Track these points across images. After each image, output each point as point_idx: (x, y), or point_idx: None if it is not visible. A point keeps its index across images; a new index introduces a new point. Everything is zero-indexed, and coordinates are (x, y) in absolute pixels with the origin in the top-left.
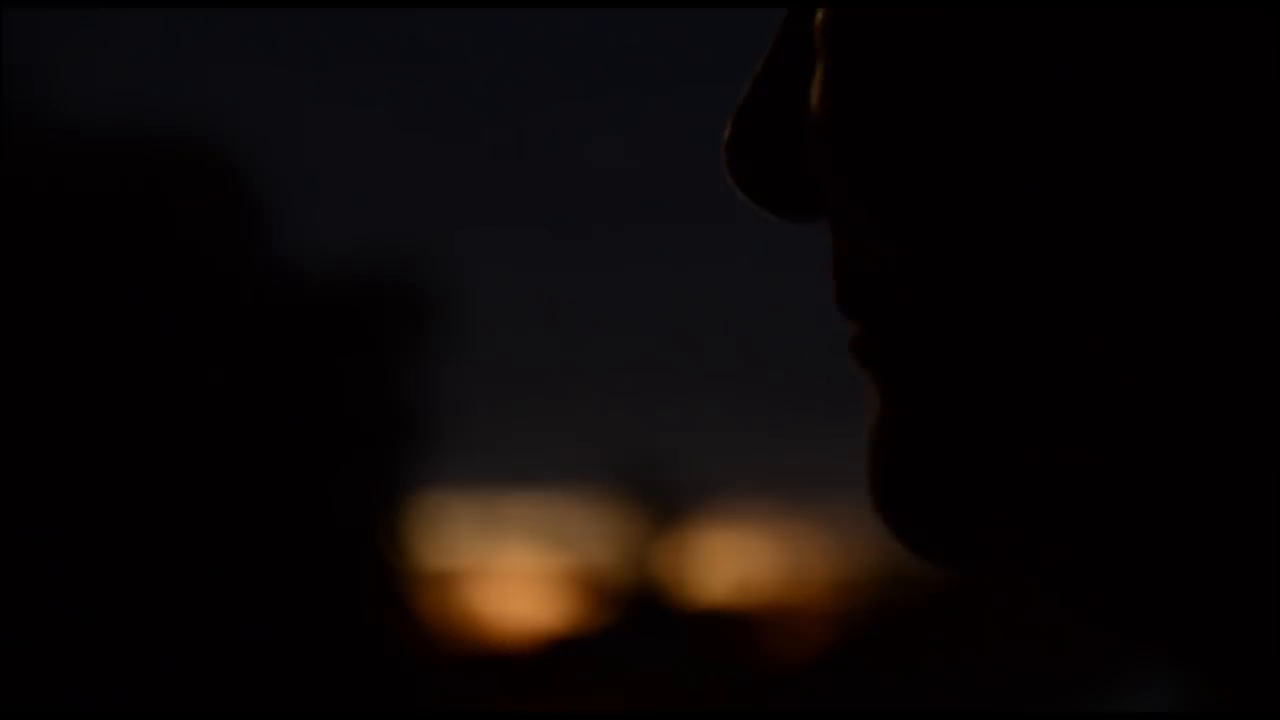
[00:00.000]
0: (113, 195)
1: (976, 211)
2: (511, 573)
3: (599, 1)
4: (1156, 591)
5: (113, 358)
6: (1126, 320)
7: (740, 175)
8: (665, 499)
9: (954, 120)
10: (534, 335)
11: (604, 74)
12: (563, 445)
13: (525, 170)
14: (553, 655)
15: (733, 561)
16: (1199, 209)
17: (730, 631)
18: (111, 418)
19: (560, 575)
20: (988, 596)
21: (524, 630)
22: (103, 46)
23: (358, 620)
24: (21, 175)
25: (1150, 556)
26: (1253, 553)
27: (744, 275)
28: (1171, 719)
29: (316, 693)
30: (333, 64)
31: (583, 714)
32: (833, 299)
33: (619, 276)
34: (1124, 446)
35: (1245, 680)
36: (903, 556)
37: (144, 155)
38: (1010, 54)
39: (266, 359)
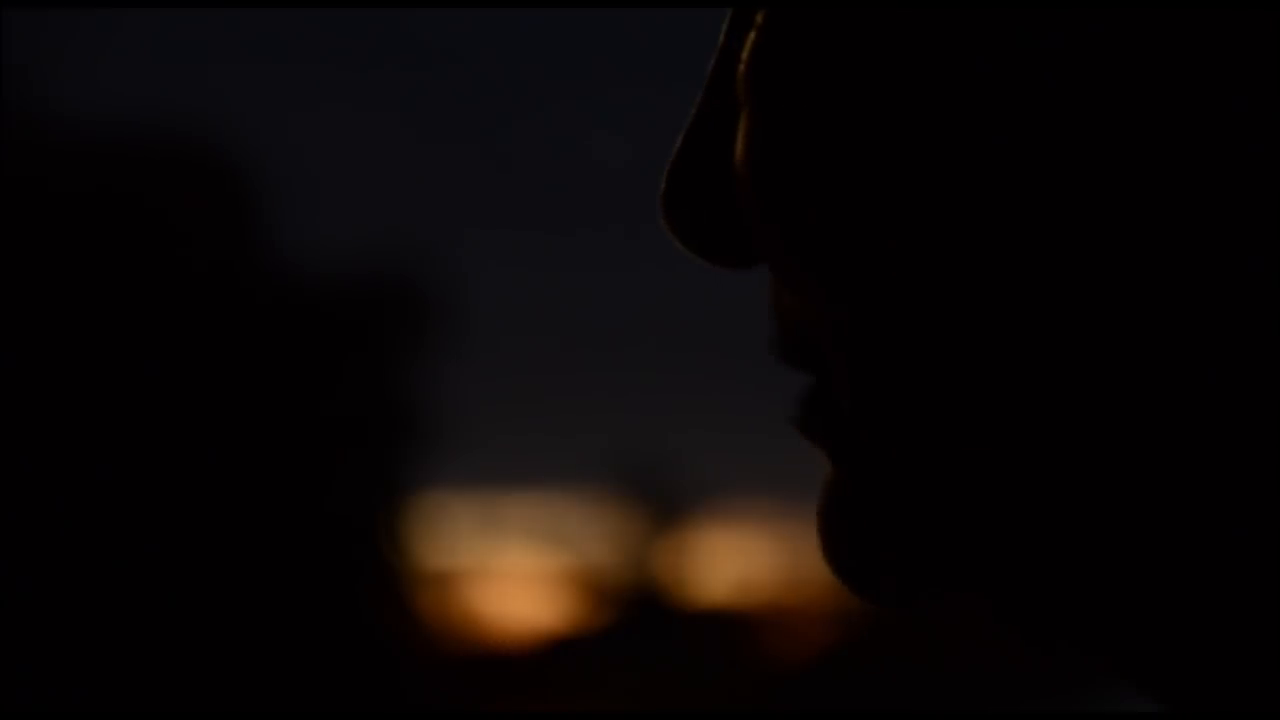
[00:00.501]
0: (113, 195)
1: (908, 264)
2: (511, 573)
3: (601, 1)
4: (1130, 643)
5: (113, 357)
6: (1078, 376)
7: (676, 227)
8: (665, 499)
9: (881, 172)
10: (534, 335)
11: (606, 73)
12: (563, 445)
13: (526, 170)
14: (553, 655)
15: (733, 561)
16: (1153, 278)
17: (730, 631)
18: (111, 418)
19: (560, 575)
20: None
21: (524, 630)
22: (103, 46)
23: (358, 620)
24: (21, 175)
25: (1125, 606)
26: (1239, 586)
27: (744, 276)
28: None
29: (316, 693)
30: (333, 64)
31: (583, 714)
32: (768, 347)
33: (619, 276)
34: (1081, 496)
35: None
36: None
37: (144, 155)
38: (943, 99)
39: (266, 358)
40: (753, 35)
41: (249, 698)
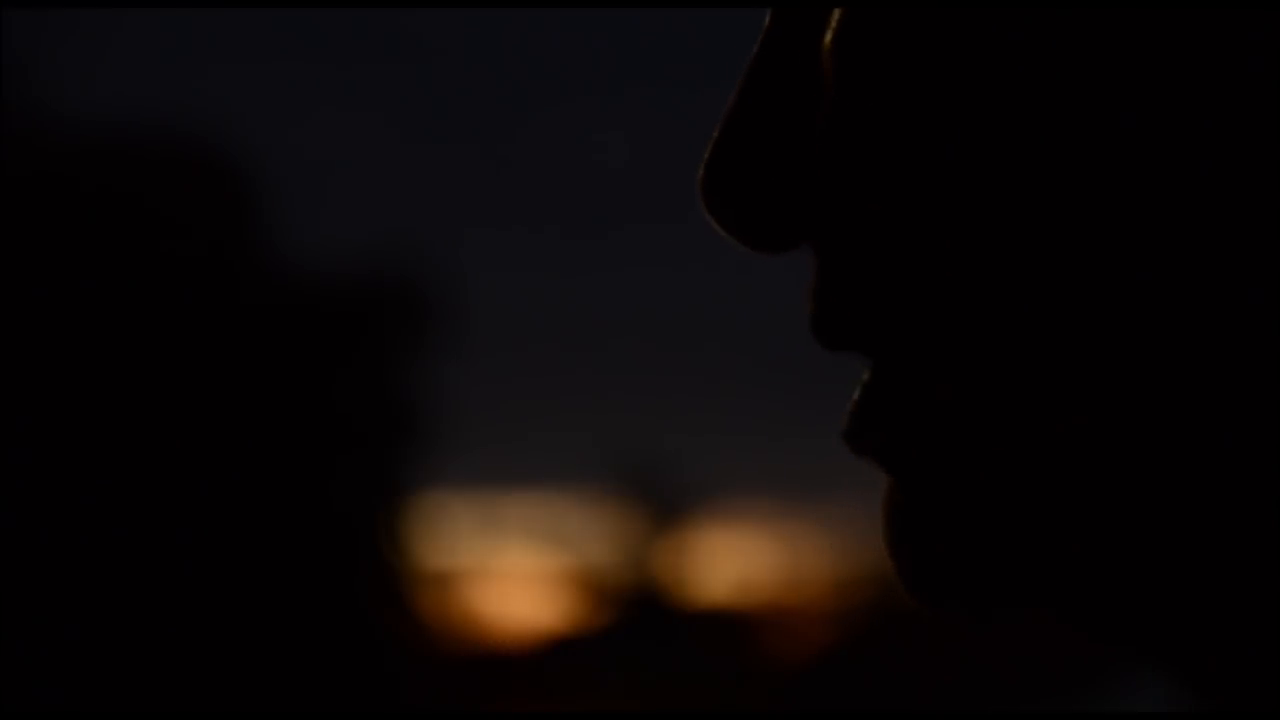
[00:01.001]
0: (113, 195)
1: (990, 224)
2: (511, 573)
3: (603, 1)
4: (1189, 628)
5: (113, 357)
6: (1149, 360)
7: (717, 211)
8: (665, 499)
9: (975, 132)
10: (534, 335)
11: (608, 74)
12: (563, 445)
13: (526, 171)
14: (553, 655)
15: (733, 561)
16: (1205, 231)
17: (730, 631)
18: (112, 417)
19: (560, 575)
20: None
21: (524, 630)
22: (103, 46)
23: (358, 620)
24: (22, 175)
25: (1182, 594)
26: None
27: (744, 276)
28: (1171, 719)
29: (316, 692)
30: (334, 64)
31: (583, 714)
32: (810, 327)
33: (619, 277)
34: (1140, 493)
35: (1234, 686)
36: None
37: (145, 155)
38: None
39: (267, 358)
40: (836, 26)
41: (249, 697)
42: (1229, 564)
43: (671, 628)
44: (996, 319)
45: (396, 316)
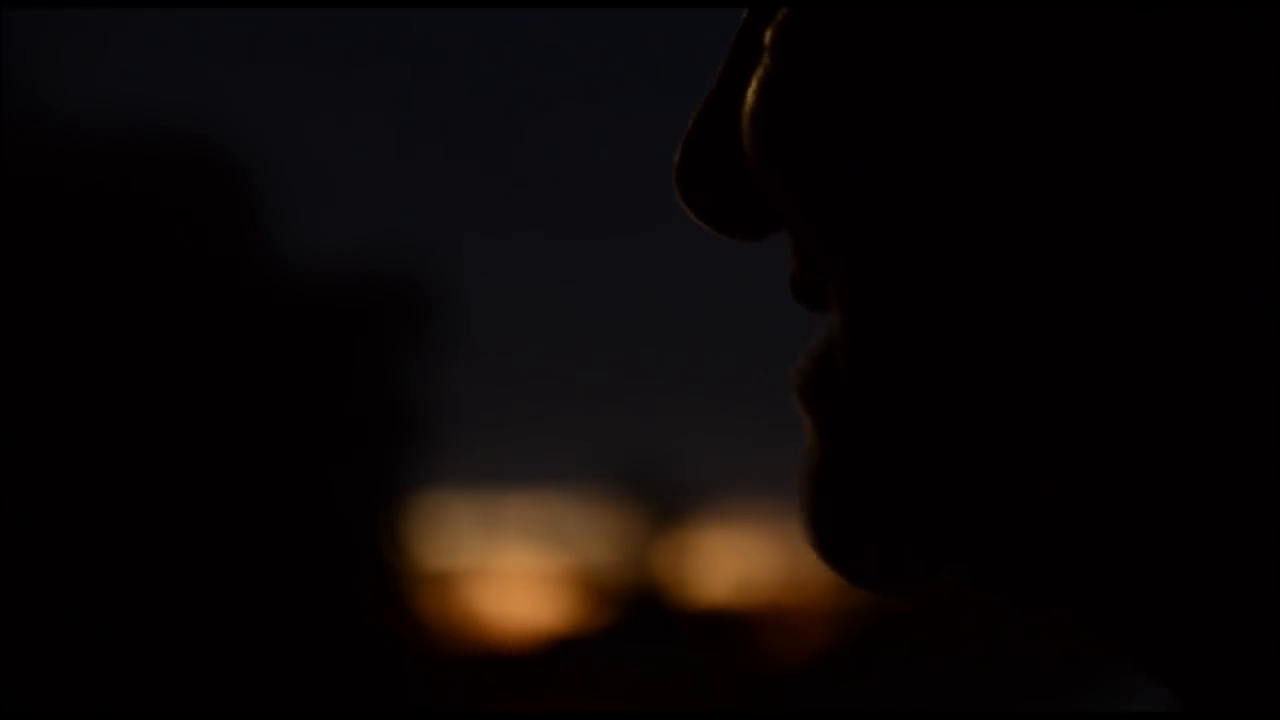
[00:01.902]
0: (115, 194)
1: (916, 224)
2: (511, 573)
3: (604, 2)
4: (1121, 602)
5: (114, 356)
6: (1082, 340)
7: (690, 198)
8: (665, 499)
9: (900, 132)
10: (534, 335)
11: (609, 76)
12: (563, 445)
13: (527, 171)
14: (553, 655)
15: (733, 561)
16: (1162, 236)
17: (730, 631)
18: (113, 417)
19: (560, 575)
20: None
21: (524, 630)
22: (104, 46)
23: (358, 620)
24: (23, 174)
25: (1113, 568)
26: (1218, 559)
27: (744, 276)
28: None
29: (316, 692)
30: (336, 65)
31: (583, 714)
32: (789, 283)
33: (620, 277)
34: (1081, 468)
35: (1206, 688)
36: None
37: (146, 155)
38: (967, 63)
39: (268, 358)
40: (783, 10)
41: (250, 697)
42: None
43: (671, 628)
44: (966, 300)
45: (397, 317)
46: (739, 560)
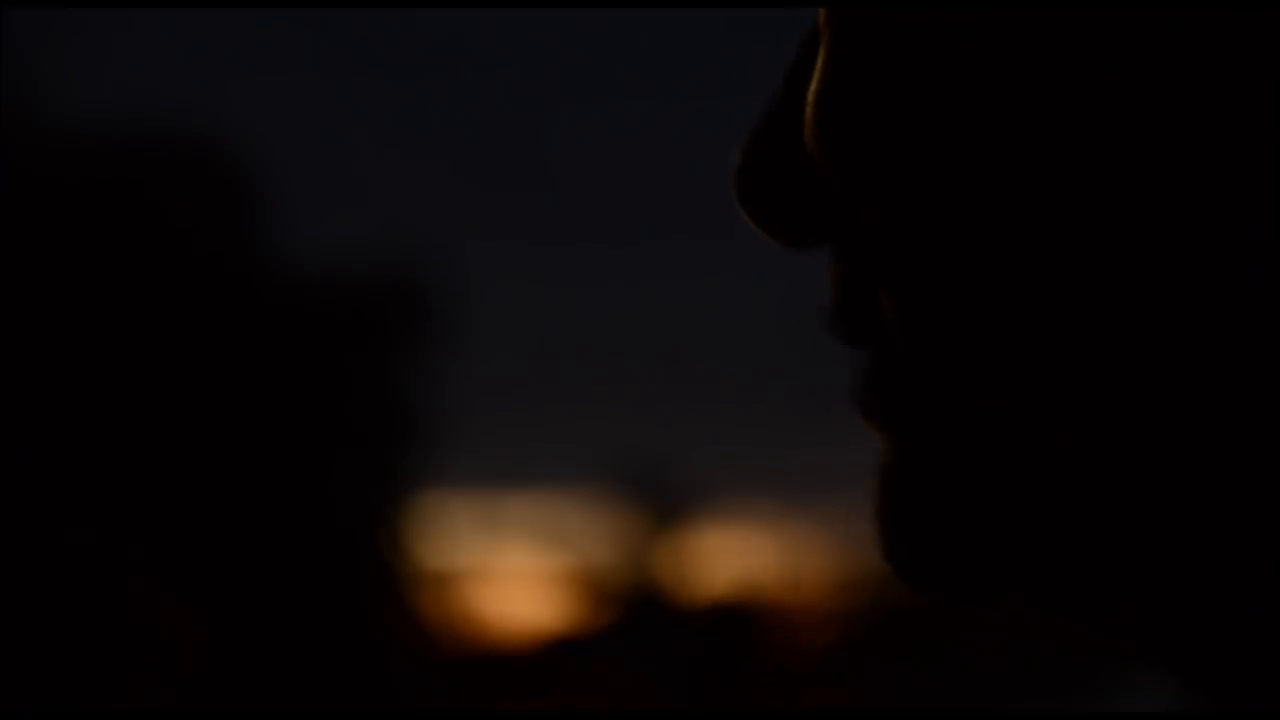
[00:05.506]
0: (116, 194)
1: (976, 218)
2: (511, 573)
3: (604, 2)
4: (1177, 611)
5: (114, 356)
6: (1137, 349)
7: (753, 205)
8: (665, 499)
9: (956, 123)
10: (535, 335)
11: (611, 80)
12: (563, 445)
13: (528, 172)
14: (553, 655)
15: (733, 561)
16: (1207, 229)
17: (730, 631)
18: (112, 416)
19: (560, 575)
20: None
21: (524, 630)
22: (105, 45)
23: (358, 620)
24: (23, 173)
25: (1169, 577)
26: (1269, 570)
27: (744, 276)
28: (1171, 719)
29: (316, 692)
30: (337, 64)
31: (583, 714)
32: (828, 326)
33: (620, 278)
34: (1136, 473)
35: (1248, 694)
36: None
37: (147, 154)
38: (1011, 57)
39: (268, 358)
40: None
41: (250, 697)
42: (1229, 560)
43: (671, 628)
44: (1000, 314)
45: (398, 317)
46: (739, 560)
